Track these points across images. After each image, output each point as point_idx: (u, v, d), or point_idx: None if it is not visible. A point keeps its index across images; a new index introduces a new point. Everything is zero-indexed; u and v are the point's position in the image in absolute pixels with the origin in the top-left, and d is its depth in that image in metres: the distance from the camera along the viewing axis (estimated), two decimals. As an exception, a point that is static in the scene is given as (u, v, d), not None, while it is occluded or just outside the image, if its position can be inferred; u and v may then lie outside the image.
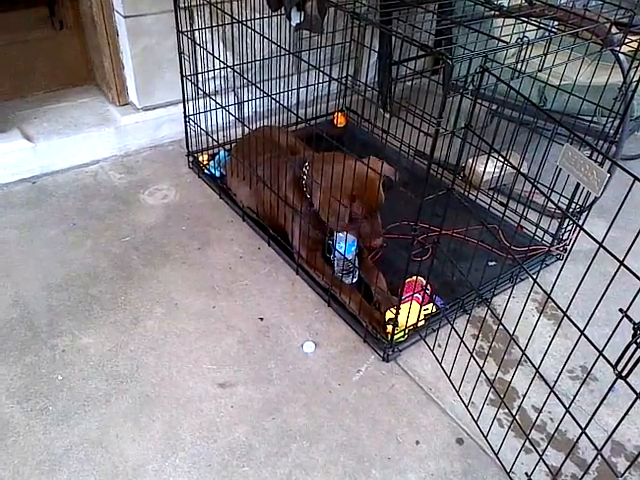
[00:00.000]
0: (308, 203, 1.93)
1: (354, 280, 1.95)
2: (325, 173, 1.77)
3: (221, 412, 1.55)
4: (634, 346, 0.91)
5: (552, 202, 1.27)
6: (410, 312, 1.69)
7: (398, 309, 1.67)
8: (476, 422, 1.52)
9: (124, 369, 1.65)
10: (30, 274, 1.95)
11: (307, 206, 1.94)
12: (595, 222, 2.03)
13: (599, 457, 1.09)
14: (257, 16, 2.26)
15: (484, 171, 2.02)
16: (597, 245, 1.00)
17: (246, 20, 2.12)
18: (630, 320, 0.92)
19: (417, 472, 1.44)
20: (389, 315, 1.71)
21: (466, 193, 2.20)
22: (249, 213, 2.25)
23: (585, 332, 1.09)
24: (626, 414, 0.98)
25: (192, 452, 1.45)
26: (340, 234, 1.85)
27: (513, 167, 1.36)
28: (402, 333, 1.72)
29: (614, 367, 0.96)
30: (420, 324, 1.75)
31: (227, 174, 2.39)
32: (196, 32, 2.32)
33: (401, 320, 1.69)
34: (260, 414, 1.55)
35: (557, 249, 2.12)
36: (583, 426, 1.12)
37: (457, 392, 1.61)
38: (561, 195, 1.93)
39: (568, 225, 2.11)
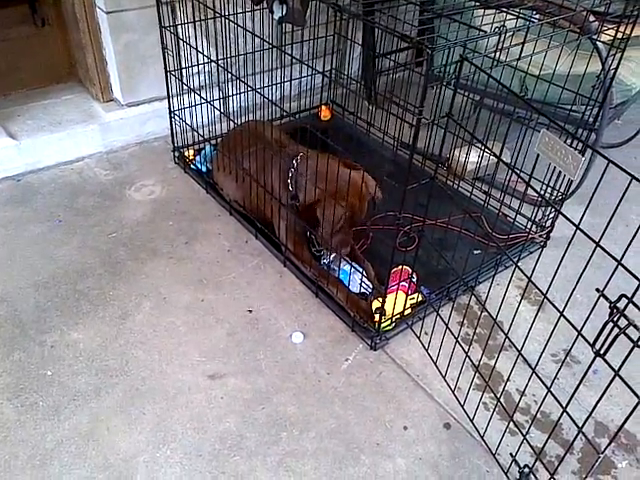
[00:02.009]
0: (291, 195, 1.95)
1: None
2: (320, 172, 1.80)
3: (211, 403, 1.56)
4: (611, 324, 0.93)
5: (533, 189, 1.29)
6: (396, 301, 1.71)
7: (385, 298, 1.69)
8: (462, 406, 1.55)
9: (114, 363, 1.66)
10: (17, 271, 1.95)
11: (289, 198, 1.96)
12: (578, 209, 2.06)
13: (582, 436, 1.12)
14: (240, 10, 2.27)
15: (467, 161, 2.05)
16: (578, 231, 1.02)
17: (229, 14, 2.13)
18: (607, 299, 0.95)
19: (406, 457, 1.46)
20: (376, 304, 1.73)
21: (449, 182, 2.23)
22: (236, 207, 2.26)
23: (566, 315, 1.12)
24: (605, 391, 1.01)
25: (183, 443, 1.46)
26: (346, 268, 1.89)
27: (494, 155, 1.38)
28: (389, 322, 1.74)
29: (592, 345, 0.99)
30: (407, 313, 1.77)
31: (213, 168, 2.39)
32: (179, 27, 2.32)
33: (388, 309, 1.71)
34: (250, 404, 1.57)
35: (540, 236, 2.15)
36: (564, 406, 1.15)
37: (444, 378, 1.63)
38: (542, 183, 1.96)
39: (550, 213, 2.14)
